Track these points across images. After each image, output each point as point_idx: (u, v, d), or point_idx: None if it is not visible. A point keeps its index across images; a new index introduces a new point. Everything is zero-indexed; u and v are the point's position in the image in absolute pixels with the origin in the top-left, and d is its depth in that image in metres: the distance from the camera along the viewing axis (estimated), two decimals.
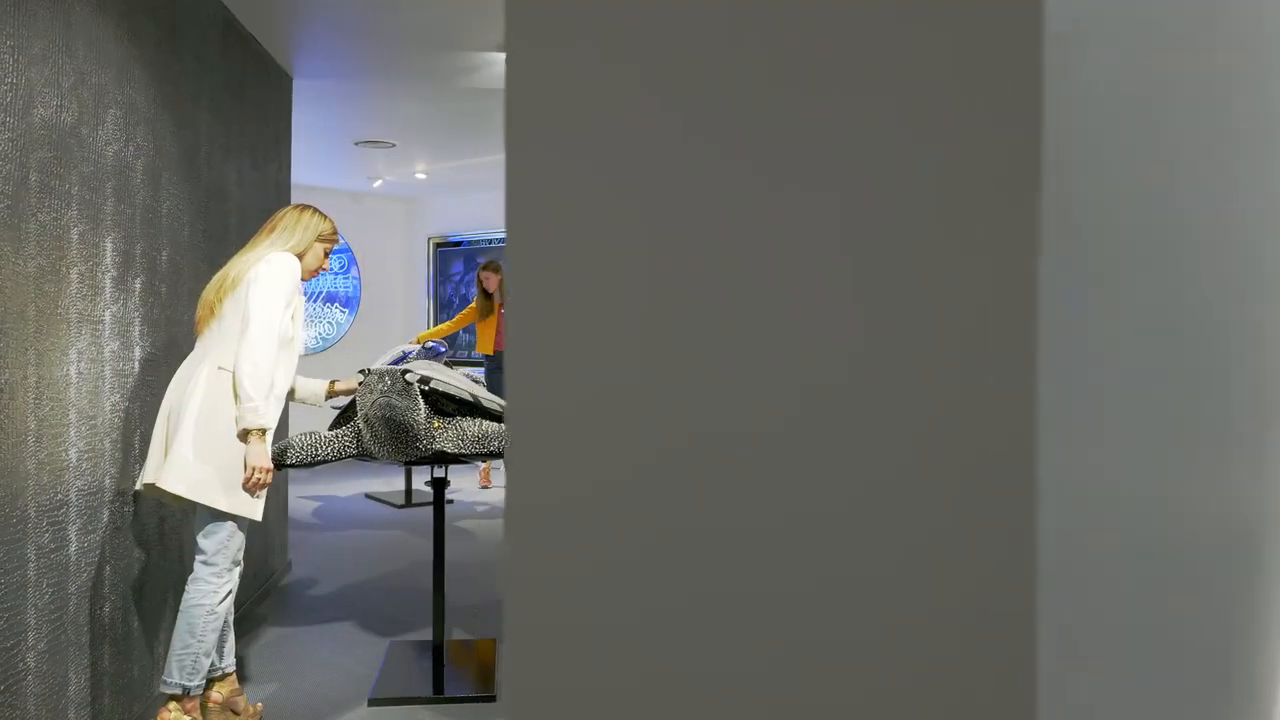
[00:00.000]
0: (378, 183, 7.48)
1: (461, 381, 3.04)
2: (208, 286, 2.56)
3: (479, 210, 8.20)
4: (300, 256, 2.59)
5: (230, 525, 2.45)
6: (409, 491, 6.33)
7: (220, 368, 2.43)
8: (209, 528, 2.43)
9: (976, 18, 0.31)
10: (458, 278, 8.42)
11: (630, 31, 0.40)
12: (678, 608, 0.37)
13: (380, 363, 6.48)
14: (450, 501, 6.37)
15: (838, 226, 0.34)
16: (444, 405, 2.95)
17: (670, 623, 0.38)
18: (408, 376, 2.78)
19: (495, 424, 2.98)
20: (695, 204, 0.38)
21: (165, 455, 2.37)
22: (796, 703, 0.35)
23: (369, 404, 2.78)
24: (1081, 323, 0.32)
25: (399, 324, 8.54)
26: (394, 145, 6.05)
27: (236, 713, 2.64)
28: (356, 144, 6.00)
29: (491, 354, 6.40)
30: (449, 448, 2.87)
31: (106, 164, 2.41)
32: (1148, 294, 0.39)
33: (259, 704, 2.76)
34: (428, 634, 3.55)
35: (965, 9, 0.31)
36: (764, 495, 0.35)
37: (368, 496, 6.54)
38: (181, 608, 2.43)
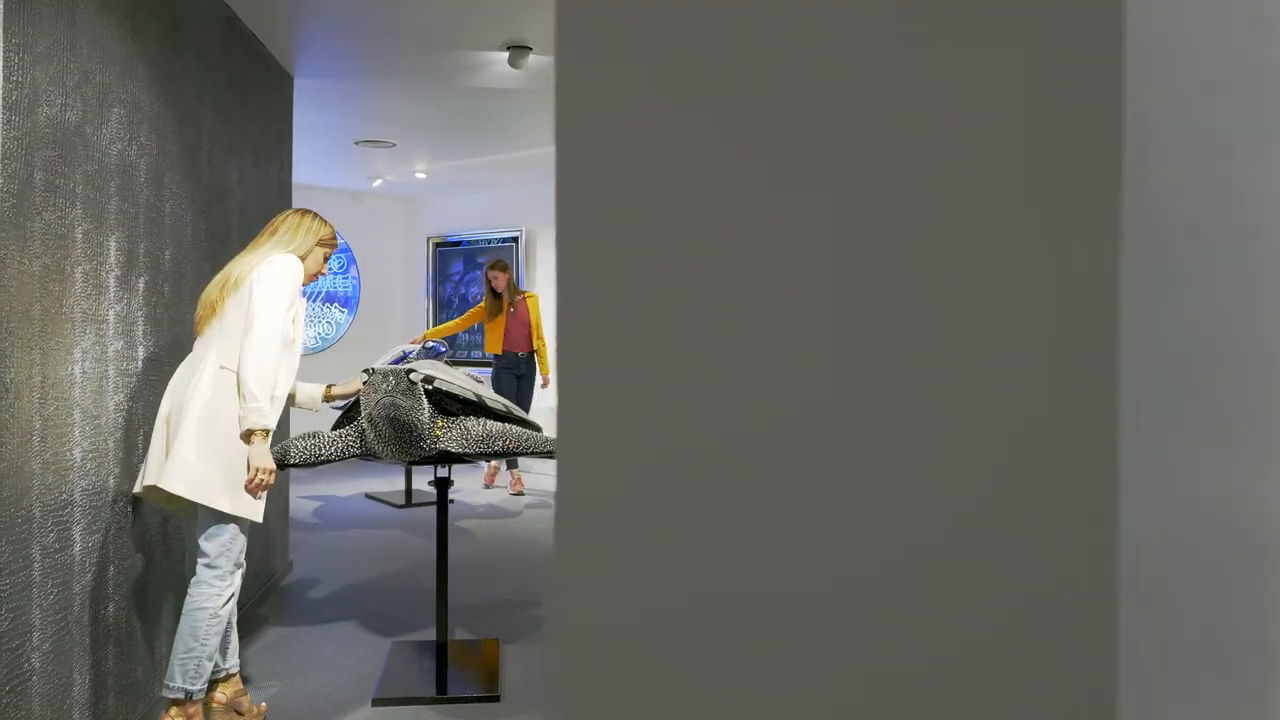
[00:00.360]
0: (377, 182, 7.47)
1: (465, 381, 3.03)
2: (209, 286, 2.54)
3: (478, 210, 8.19)
4: (301, 260, 2.58)
5: (233, 528, 2.44)
6: (409, 491, 6.32)
7: (223, 367, 2.42)
8: (211, 530, 2.42)
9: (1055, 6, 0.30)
10: (457, 277, 8.41)
11: (672, 44, 0.39)
12: (736, 605, 0.37)
13: (381, 362, 6.48)
14: (451, 501, 6.35)
15: (905, 221, 0.34)
16: (448, 405, 2.94)
17: (731, 619, 0.37)
18: (412, 376, 2.77)
19: (499, 423, 2.97)
20: (741, 209, 0.37)
21: (166, 456, 2.36)
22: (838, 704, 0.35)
23: (373, 403, 2.77)
24: (1153, 321, 0.31)
25: (398, 324, 8.52)
26: (394, 145, 6.03)
27: (240, 713, 2.63)
28: (357, 143, 5.99)
29: (500, 353, 6.38)
30: (453, 447, 2.86)
31: (110, 163, 2.40)
32: (1217, 291, 0.39)
33: (263, 704, 2.75)
34: (430, 634, 3.54)
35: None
36: (827, 493, 0.35)
37: (368, 496, 6.53)
38: (184, 611, 2.41)
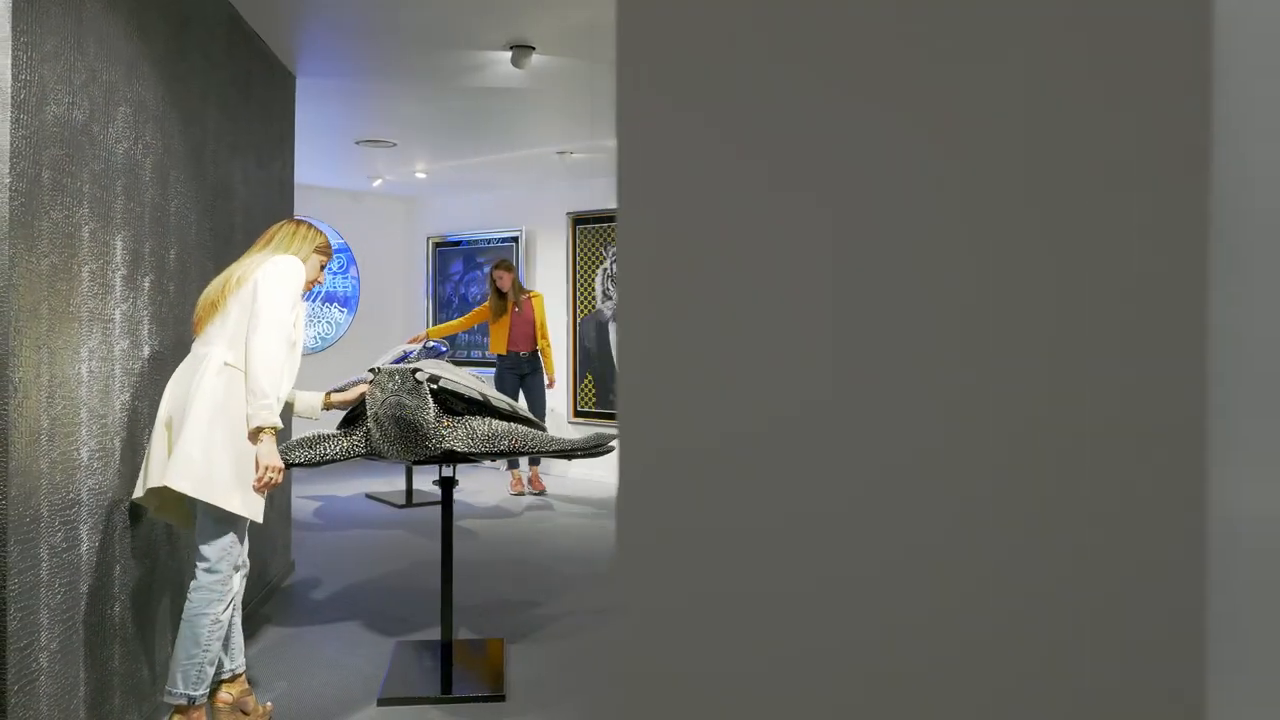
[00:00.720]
0: (377, 182, 7.46)
1: (470, 380, 3.03)
2: (209, 287, 2.55)
3: (478, 210, 8.19)
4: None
5: (232, 533, 2.43)
6: (409, 491, 6.32)
7: (227, 364, 2.42)
8: (211, 534, 2.42)
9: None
10: (457, 277, 8.40)
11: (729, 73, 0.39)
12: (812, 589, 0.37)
13: (382, 361, 6.46)
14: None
15: (907, 221, 0.34)
16: (453, 404, 2.94)
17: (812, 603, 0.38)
18: (418, 375, 2.77)
19: (505, 423, 2.97)
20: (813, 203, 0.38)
21: (169, 456, 2.36)
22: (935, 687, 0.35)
23: (379, 403, 2.77)
24: (1239, 314, 0.31)
25: (398, 324, 8.52)
26: (395, 145, 6.03)
27: (246, 713, 2.64)
28: (357, 143, 5.99)
29: (504, 354, 6.34)
30: (459, 446, 2.86)
31: (117, 162, 2.40)
32: None
33: (269, 704, 2.76)
34: (433, 633, 3.54)
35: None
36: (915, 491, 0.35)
37: (368, 496, 6.53)
38: (185, 617, 2.41)
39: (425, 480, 7.06)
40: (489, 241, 8.13)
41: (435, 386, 2.84)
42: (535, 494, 6.49)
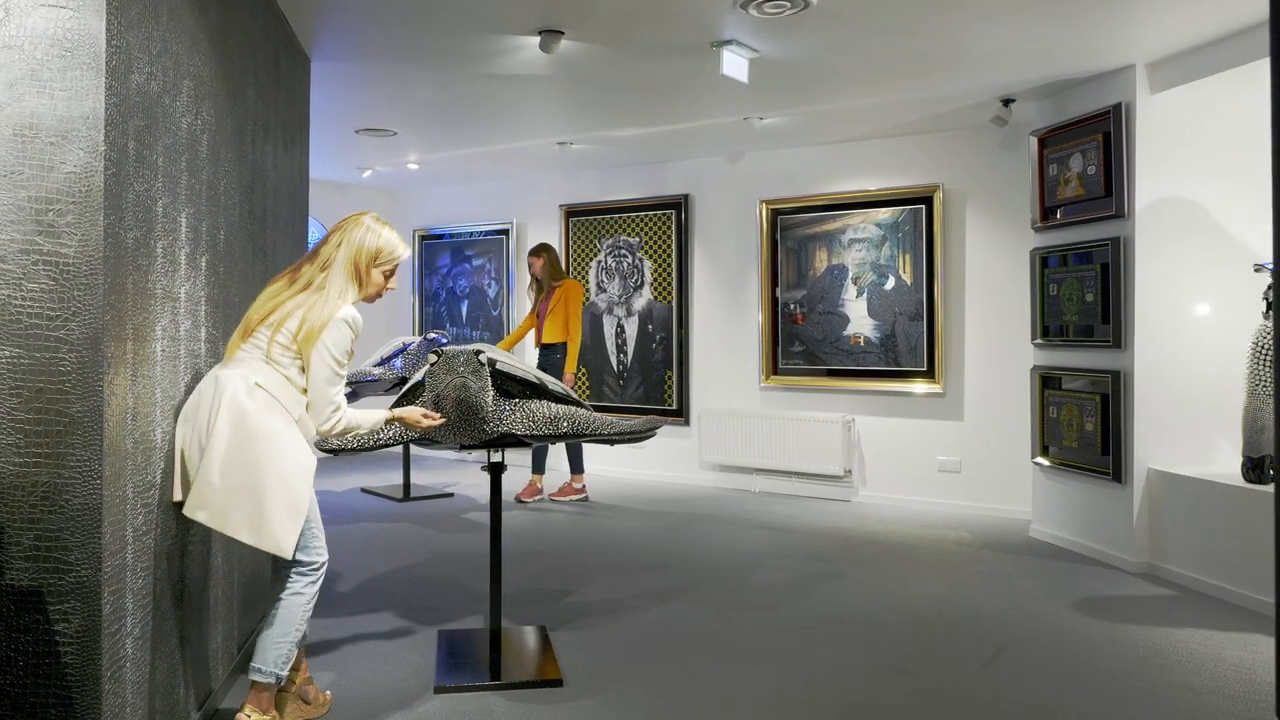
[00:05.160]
0: (367, 173, 7.35)
1: (523, 363, 3.00)
2: (264, 309, 2.42)
3: (466, 202, 8.11)
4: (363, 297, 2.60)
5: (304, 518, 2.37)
6: (407, 485, 6.24)
7: (257, 384, 2.30)
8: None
9: None
10: (444, 270, 8.31)
11: None
12: None
13: (379, 354, 6.33)
14: (450, 495, 6.28)
15: None
16: (509, 387, 2.91)
17: None
18: (480, 357, 2.73)
19: (564, 406, 2.94)
20: None
21: (192, 481, 2.24)
22: None
23: (443, 384, 2.72)
24: None
25: (383, 316, 8.40)
26: (395, 133, 5.94)
27: (307, 701, 2.58)
28: (357, 132, 5.89)
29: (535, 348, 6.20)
30: (518, 429, 2.83)
31: (181, 136, 2.33)
32: None
33: (328, 693, 2.70)
34: (471, 622, 3.51)
35: None
36: None
37: (364, 490, 6.43)
38: (281, 597, 2.39)
39: (423, 474, 6.97)
40: (472, 234, 8.05)
41: (492, 369, 2.80)
42: (529, 500, 6.09)
